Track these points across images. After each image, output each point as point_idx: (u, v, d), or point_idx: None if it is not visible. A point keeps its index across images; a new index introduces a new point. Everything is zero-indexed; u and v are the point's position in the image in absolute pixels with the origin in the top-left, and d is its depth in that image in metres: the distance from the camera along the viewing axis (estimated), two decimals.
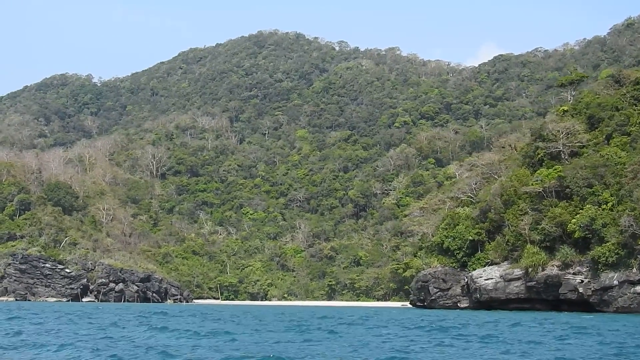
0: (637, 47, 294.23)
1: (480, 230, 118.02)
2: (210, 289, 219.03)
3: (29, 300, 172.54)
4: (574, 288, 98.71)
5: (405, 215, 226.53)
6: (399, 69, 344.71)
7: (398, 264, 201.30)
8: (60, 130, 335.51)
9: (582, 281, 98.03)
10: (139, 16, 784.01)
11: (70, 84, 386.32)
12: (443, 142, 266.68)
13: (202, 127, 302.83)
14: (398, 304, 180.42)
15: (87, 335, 46.42)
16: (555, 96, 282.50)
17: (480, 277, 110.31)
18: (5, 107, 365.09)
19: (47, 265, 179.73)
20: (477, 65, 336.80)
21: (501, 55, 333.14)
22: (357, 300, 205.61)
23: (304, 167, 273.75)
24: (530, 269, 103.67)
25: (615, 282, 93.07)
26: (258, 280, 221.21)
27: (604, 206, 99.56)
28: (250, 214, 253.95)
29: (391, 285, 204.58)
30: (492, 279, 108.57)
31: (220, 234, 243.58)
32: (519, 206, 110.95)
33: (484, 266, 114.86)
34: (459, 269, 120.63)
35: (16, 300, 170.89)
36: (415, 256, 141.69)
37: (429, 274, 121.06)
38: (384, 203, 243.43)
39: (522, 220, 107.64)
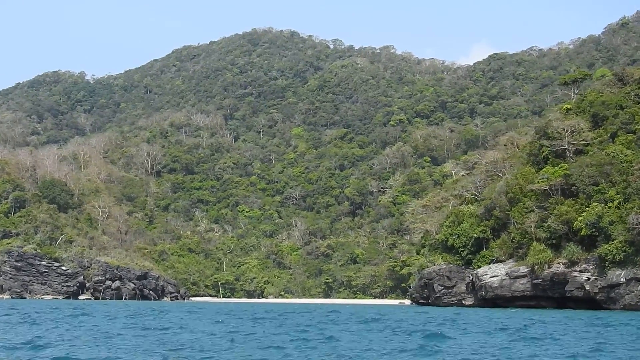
0: (631, 47, 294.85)
1: (485, 228, 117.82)
2: (206, 286, 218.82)
3: (25, 297, 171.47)
4: (581, 285, 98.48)
5: (402, 214, 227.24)
6: (393, 67, 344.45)
7: (395, 262, 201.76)
8: (54, 127, 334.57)
9: (589, 279, 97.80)
10: (131, 13, 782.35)
11: (63, 81, 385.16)
12: (438, 140, 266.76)
13: (196, 125, 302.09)
14: (396, 302, 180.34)
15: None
16: (550, 95, 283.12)
17: (486, 274, 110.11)
18: None
19: (43, 262, 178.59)
20: (472, 64, 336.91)
21: (496, 53, 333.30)
22: (353, 298, 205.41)
23: (300, 165, 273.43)
24: (536, 267, 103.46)
25: (623, 280, 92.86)
26: (254, 278, 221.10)
27: (611, 204, 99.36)
28: (246, 212, 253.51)
29: (388, 283, 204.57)
30: (497, 276, 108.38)
31: (216, 232, 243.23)
32: (524, 204, 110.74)
33: (489, 264, 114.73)
34: (463, 267, 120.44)
35: (12, 298, 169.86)
36: (417, 254, 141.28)
37: (434, 271, 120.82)
38: (380, 201, 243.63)
39: (528, 217, 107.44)
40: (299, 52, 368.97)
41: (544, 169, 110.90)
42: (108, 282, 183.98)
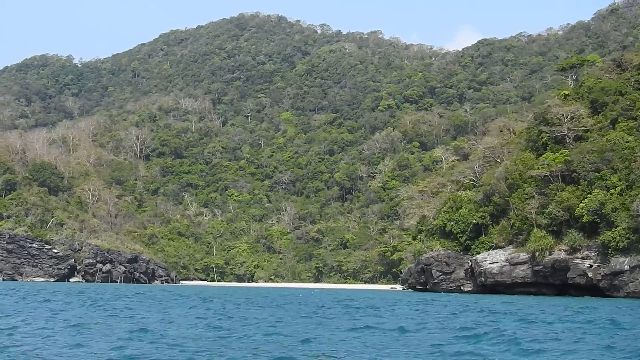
0: (621, 33, 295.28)
1: (484, 214, 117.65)
2: (196, 270, 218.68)
3: (16, 280, 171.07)
4: (583, 272, 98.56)
5: (392, 199, 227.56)
6: (381, 52, 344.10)
7: (386, 247, 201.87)
8: (42, 111, 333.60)
9: (591, 266, 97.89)
10: None
11: (50, 64, 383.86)
12: (427, 125, 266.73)
13: (185, 109, 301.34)
14: (387, 287, 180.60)
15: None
16: (539, 81, 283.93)
17: (485, 260, 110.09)
18: None
19: (34, 245, 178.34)
20: (460, 50, 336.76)
21: (485, 39, 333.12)
22: (344, 283, 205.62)
23: (289, 149, 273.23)
24: (537, 253, 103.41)
25: (626, 267, 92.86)
26: (244, 262, 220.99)
27: (613, 190, 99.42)
28: (236, 196, 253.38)
29: (379, 268, 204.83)
30: (497, 262, 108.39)
31: (205, 216, 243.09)
32: (524, 190, 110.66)
33: (488, 250, 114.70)
34: (462, 253, 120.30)
35: (3, 280, 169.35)
36: (414, 239, 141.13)
37: (432, 257, 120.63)
38: (370, 186, 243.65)
39: (529, 204, 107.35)
40: (286, 37, 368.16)
41: (544, 155, 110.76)
42: (99, 265, 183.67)
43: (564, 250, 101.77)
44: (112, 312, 51.17)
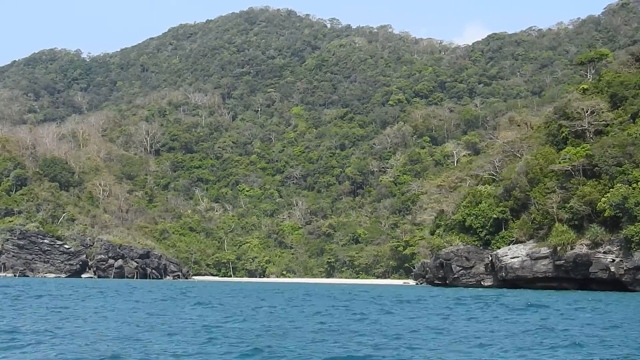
0: (632, 27, 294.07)
1: (504, 209, 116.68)
2: (208, 265, 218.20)
3: (27, 276, 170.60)
4: (606, 267, 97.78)
5: (403, 193, 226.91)
6: (391, 47, 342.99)
7: (398, 242, 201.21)
8: (50, 105, 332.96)
9: (614, 260, 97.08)
10: None
11: (59, 59, 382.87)
12: (438, 120, 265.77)
13: (194, 104, 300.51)
14: (400, 282, 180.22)
15: None
16: (550, 75, 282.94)
17: (506, 255, 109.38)
18: None
19: (45, 241, 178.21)
20: (470, 44, 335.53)
21: (495, 33, 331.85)
22: (356, 278, 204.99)
23: (300, 144, 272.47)
24: (559, 248, 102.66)
25: None
26: (256, 257, 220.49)
27: (635, 185, 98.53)
28: (247, 191, 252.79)
29: (391, 263, 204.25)
30: (518, 257, 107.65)
31: (216, 211, 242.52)
32: (545, 184, 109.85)
33: (508, 245, 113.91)
34: (481, 248, 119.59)
35: (15, 276, 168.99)
36: (432, 234, 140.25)
37: (452, 252, 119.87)
38: (381, 181, 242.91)
39: (550, 198, 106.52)
40: (296, 31, 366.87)
41: (565, 150, 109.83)
42: (111, 261, 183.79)
43: (586, 245, 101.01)
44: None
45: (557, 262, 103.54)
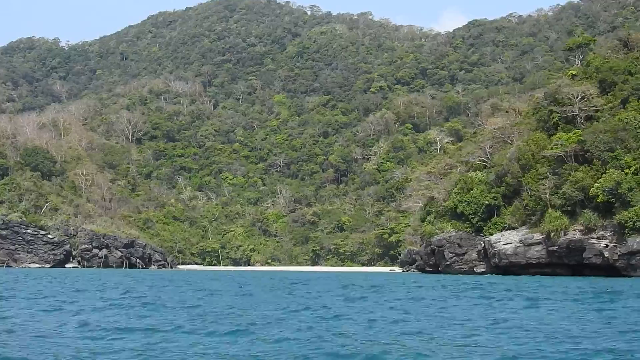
0: (611, 13, 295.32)
1: (496, 195, 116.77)
2: (192, 254, 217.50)
3: (11, 266, 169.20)
4: (599, 252, 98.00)
5: (387, 180, 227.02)
6: (372, 34, 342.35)
7: (383, 229, 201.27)
8: (29, 94, 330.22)
9: (607, 246, 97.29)
10: None
11: (37, 47, 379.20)
12: (420, 107, 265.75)
13: (175, 92, 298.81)
14: (386, 269, 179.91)
15: None
16: (530, 61, 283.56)
17: (499, 241, 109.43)
18: None
19: (28, 231, 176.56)
20: (451, 31, 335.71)
21: (475, 20, 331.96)
22: (341, 265, 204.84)
23: (283, 132, 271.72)
24: (552, 234, 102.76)
25: None
26: (240, 246, 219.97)
27: (627, 170, 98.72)
28: (230, 179, 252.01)
29: (376, 250, 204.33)
30: (511, 243, 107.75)
31: (200, 199, 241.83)
32: (537, 170, 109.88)
33: (501, 231, 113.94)
34: (473, 234, 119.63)
35: None
36: (422, 221, 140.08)
37: (444, 238, 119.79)
38: (365, 168, 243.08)
39: (543, 184, 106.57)
40: (276, 19, 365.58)
41: (557, 135, 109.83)
42: (95, 251, 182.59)
43: (579, 231, 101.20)
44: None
45: (551, 248, 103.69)
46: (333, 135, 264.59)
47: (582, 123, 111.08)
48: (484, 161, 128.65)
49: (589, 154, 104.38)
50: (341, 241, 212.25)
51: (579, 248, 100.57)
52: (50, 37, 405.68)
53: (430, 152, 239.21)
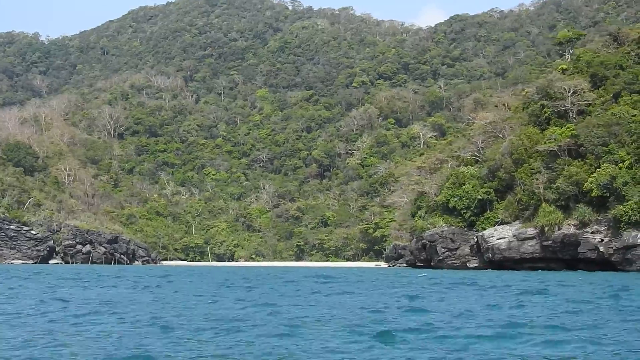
0: (592, 8, 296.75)
1: (489, 190, 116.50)
2: (176, 250, 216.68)
3: None
4: (594, 247, 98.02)
5: (371, 175, 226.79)
6: (353, 28, 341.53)
7: (368, 224, 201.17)
8: (9, 89, 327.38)
9: (602, 240, 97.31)
10: None
11: (17, 42, 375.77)
12: (402, 102, 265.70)
13: (157, 87, 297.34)
14: (371, 264, 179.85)
15: None
16: (512, 56, 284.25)
17: (492, 236, 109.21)
18: None
19: (11, 227, 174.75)
20: (433, 26, 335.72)
21: (457, 15, 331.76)
22: (326, 261, 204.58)
23: (266, 127, 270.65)
24: (546, 228, 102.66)
25: (639, 241, 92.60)
26: (224, 241, 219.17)
27: (621, 165, 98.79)
28: (213, 175, 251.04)
29: (361, 245, 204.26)
30: (504, 238, 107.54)
31: (183, 195, 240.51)
32: (530, 165, 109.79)
33: (494, 226, 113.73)
34: (466, 229, 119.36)
35: None
36: (413, 217, 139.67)
37: (436, 233, 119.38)
38: (348, 163, 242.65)
39: (536, 179, 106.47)
40: (257, 13, 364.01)
41: (550, 130, 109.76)
42: (79, 247, 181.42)
43: (574, 225, 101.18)
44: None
45: (545, 243, 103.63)
46: (316, 130, 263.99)
47: (575, 117, 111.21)
48: (476, 156, 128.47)
49: (582, 148, 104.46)
50: (325, 236, 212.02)
51: (573, 242, 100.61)
52: (30, 31, 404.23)
53: (414, 147, 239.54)
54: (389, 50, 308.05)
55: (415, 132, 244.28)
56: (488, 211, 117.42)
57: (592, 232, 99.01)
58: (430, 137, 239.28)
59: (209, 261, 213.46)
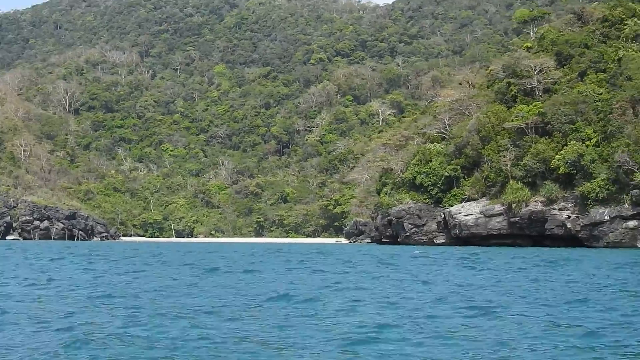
0: None
1: (456, 167, 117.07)
2: (134, 226, 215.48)
3: None
4: (562, 223, 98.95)
5: (329, 152, 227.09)
6: (310, 5, 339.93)
7: (328, 201, 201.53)
8: None
9: (570, 217, 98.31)
10: None
11: None
12: (360, 79, 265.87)
13: (113, 62, 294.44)
14: (332, 240, 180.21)
15: None
16: (470, 34, 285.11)
17: (460, 213, 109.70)
18: None
19: None
20: (390, 3, 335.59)
21: None
22: (286, 237, 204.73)
23: (224, 103, 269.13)
24: (513, 205, 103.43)
25: (607, 218, 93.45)
26: (183, 217, 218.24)
27: (588, 142, 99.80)
28: (171, 151, 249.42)
29: (321, 221, 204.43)
30: (472, 215, 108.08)
31: (140, 171, 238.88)
32: (497, 142, 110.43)
33: (461, 202, 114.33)
34: (432, 205, 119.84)
35: None
36: (378, 193, 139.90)
37: (403, 210, 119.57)
38: (307, 140, 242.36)
39: (504, 156, 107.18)
40: None
41: (518, 107, 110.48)
42: (36, 222, 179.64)
43: (541, 202, 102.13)
44: None
45: (512, 219, 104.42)
46: (275, 106, 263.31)
47: (541, 95, 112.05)
48: (442, 133, 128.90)
49: (549, 126, 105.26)
50: (285, 212, 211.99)
51: (540, 219, 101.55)
52: None
53: (373, 124, 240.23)
54: (347, 27, 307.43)
55: (374, 109, 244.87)
56: (455, 188, 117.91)
57: (559, 209, 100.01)
58: (389, 114, 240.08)
59: (168, 237, 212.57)
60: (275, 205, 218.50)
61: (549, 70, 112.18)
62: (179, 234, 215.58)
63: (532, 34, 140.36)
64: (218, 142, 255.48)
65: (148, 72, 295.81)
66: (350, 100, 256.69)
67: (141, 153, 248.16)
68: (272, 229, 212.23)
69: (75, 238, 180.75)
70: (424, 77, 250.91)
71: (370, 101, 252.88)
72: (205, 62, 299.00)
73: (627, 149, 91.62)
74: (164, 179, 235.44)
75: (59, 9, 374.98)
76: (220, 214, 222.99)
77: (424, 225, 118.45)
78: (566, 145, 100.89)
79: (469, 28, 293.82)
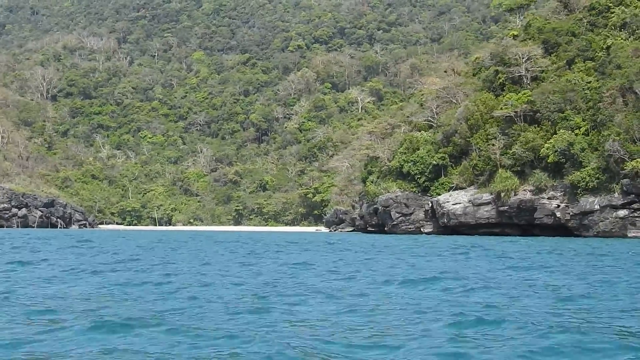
0: None
1: (444, 155, 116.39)
2: (112, 214, 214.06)
3: None
4: (551, 213, 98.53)
5: (309, 140, 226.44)
6: None
7: (307, 189, 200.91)
8: None
9: (559, 206, 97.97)
10: None
11: None
12: (339, 66, 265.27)
13: (90, 48, 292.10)
14: (312, 229, 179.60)
15: None
16: (448, 22, 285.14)
17: (448, 201, 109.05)
18: None
19: None
20: None
21: None
22: (265, 225, 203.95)
23: (203, 90, 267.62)
24: (502, 194, 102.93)
25: (597, 207, 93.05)
26: (161, 205, 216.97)
27: (577, 131, 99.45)
28: (149, 138, 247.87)
29: (300, 210, 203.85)
30: (460, 203, 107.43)
31: (118, 158, 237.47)
32: (486, 131, 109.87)
33: (448, 191, 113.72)
34: (420, 194, 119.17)
35: None
36: (364, 182, 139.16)
37: (390, 198, 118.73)
38: (286, 127, 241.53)
39: (492, 144, 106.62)
40: None
41: (507, 96, 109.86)
42: (14, 210, 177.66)
43: (530, 191, 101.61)
44: None
45: (501, 208, 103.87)
46: (254, 94, 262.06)
47: (529, 84, 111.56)
48: (430, 121, 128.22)
49: (538, 114, 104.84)
50: (264, 201, 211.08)
51: (529, 208, 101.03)
52: None
53: (352, 111, 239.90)
54: (325, 15, 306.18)
55: (353, 97, 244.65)
56: (443, 176, 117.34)
57: (548, 198, 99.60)
58: (368, 102, 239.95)
59: (146, 225, 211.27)
60: (254, 194, 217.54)
61: (537, 59, 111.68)
62: (157, 222, 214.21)
63: (518, 22, 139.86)
64: (197, 129, 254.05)
65: (126, 58, 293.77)
66: (329, 88, 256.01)
67: (119, 140, 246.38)
68: (251, 217, 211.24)
69: (55, 226, 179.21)
70: (402, 64, 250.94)
71: (349, 89, 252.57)
72: (183, 48, 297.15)
73: (617, 138, 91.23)
74: (142, 167, 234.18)
75: None
76: (198, 202, 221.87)
77: (411, 214, 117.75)
78: (555, 133, 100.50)
79: (447, 16, 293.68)
